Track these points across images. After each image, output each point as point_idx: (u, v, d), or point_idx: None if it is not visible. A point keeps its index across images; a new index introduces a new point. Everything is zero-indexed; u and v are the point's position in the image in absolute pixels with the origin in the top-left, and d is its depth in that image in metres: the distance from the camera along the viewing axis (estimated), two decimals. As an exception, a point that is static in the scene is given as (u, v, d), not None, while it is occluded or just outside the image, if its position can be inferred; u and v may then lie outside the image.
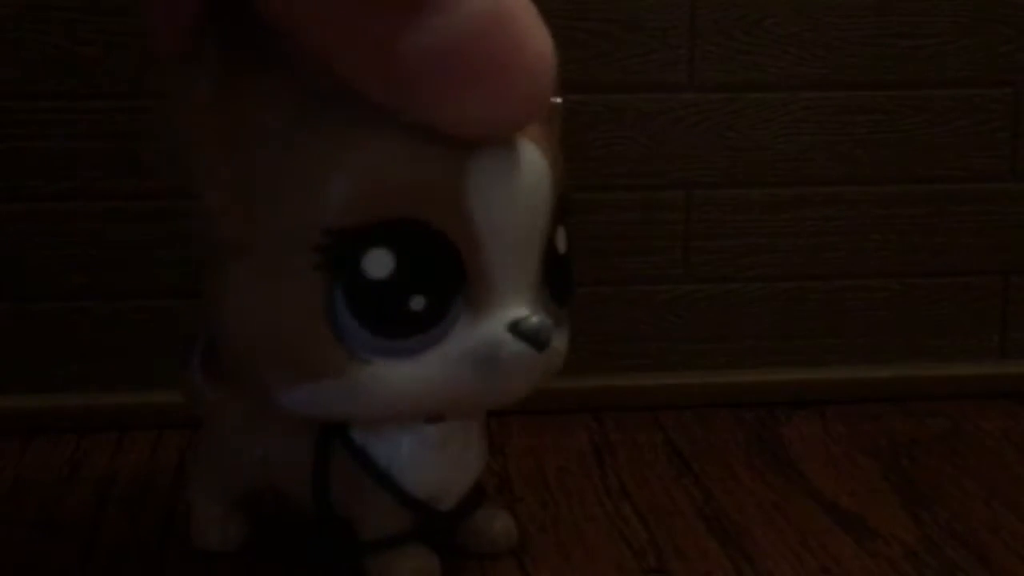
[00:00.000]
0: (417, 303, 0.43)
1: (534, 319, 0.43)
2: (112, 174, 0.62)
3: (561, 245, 0.46)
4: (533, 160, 0.44)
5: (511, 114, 0.43)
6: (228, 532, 0.49)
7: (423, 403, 0.45)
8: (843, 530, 0.52)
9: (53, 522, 0.53)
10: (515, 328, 0.43)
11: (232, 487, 0.49)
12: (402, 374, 0.43)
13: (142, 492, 0.56)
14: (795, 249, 0.67)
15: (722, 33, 0.65)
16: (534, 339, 0.43)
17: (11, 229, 0.62)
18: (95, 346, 0.64)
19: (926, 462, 0.59)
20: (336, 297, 0.43)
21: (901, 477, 0.58)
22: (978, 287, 0.68)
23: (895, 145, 0.66)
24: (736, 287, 0.67)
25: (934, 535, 0.52)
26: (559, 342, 0.46)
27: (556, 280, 0.46)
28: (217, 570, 0.50)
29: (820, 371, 0.67)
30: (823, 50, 0.65)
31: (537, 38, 0.43)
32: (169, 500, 0.55)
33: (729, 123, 0.66)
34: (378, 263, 0.42)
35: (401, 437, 0.46)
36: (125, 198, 0.62)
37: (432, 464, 0.47)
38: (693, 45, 0.64)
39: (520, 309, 0.44)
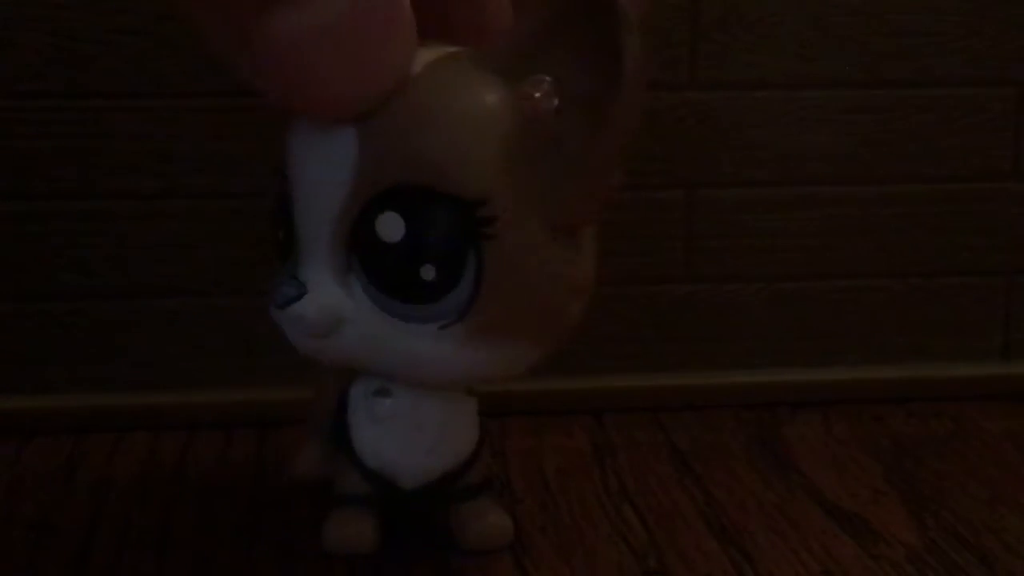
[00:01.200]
0: (281, 234, 0.47)
1: (281, 279, 0.46)
2: (111, 174, 0.62)
3: (388, 233, 0.44)
4: (334, 137, 0.45)
5: (342, 107, 0.44)
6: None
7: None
8: (845, 532, 0.52)
9: (51, 523, 0.53)
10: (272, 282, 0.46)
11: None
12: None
13: (141, 493, 0.56)
14: (797, 249, 0.67)
15: (724, 32, 0.64)
16: (273, 295, 0.46)
17: (11, 229, 0.62)
18: (93, 347, 0.63)
19: (929, 463, 0.59)
20: None
21: (904, 478, 0.57)
22: (981, 287, 0.68)
23: (898, 144, 0.66)
24: (738, 287, 0.67)
25: (937, 537, 0.52)
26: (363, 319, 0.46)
27: (378, 268, 0.45)
28: (217, 569, 0.50)
29: (822, 372, 0.67)
30: (826, 49, 0.65)
31: (396, 43, 0.44)
32: (167, 501, 0.55)
33: (731, 122, 0.65)
34: (271, 200, 0.48)
35: (358, 405, 0.49)
36: (125, 198, 0.62)
37: (376, 437, 0.49)
38: (695, 44, 0.64)
39: (302, 269, 0.46)
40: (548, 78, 0.44)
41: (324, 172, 0.45)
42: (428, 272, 0.44)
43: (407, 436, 0.49)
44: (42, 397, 0.63)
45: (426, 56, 0.45)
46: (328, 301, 0.45)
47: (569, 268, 0.46)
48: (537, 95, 0.44)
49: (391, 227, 0.44)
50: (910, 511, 0.54)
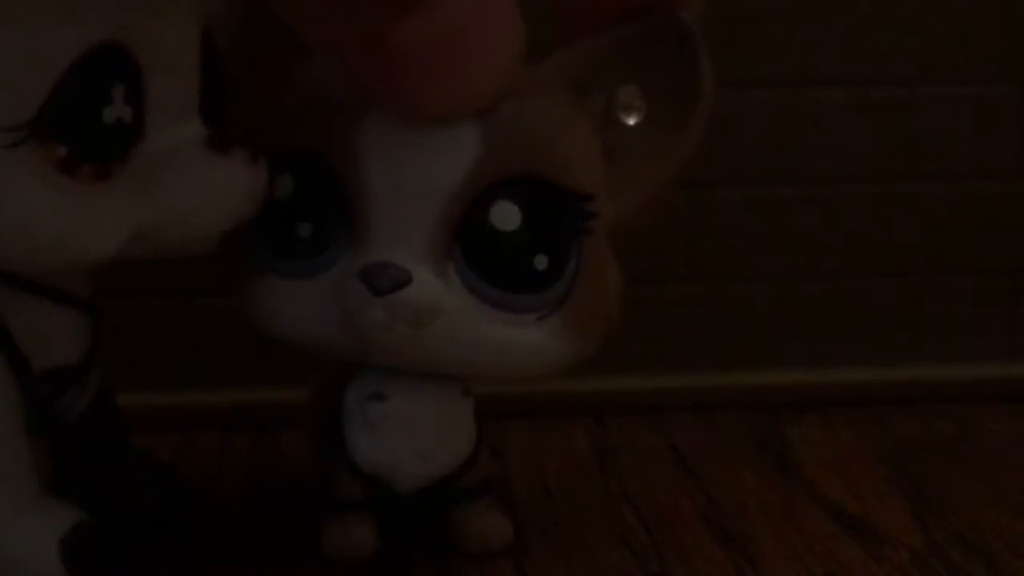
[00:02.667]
0: (304, 229, 0.46)
1: (376, 263, 0.44)
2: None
3: (502, 222, 0.45)
4: (449, 127, 0.45)
5: (462, 106, 0.44)
6: None
7: (299, 328, 0.47)
8: (848, 535, 0.52)
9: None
10: (361, 267, 0.44)
11: None
12: (288, 294, 0.47)
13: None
14: (800, 249, 0.66)
15: (727, 30, 0.64)
16: (369, 280, 0.44)
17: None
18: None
19: (933, 466, 0.59)
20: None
21: (908, 481, 0.57)
22: (986, 288, 0.68)
23: (900, 144, 0.66)
24: (740, 287, 0.67)
25: (941, 539, 0.51)
26: (463, 311, 0.46)
27: (488, 257, 0.45)
28: (217, 569, 0.49)
29: (825, 373, 0.67)
30: (826, 48, 0.65)
31: (508, 41, 0.44)
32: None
33: (731, 122, 0.65)
34: (282, 186, 0.46)
35: (353, 409, 0.48)
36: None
37: (371, 441, 0.48)
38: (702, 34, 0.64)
39: (388, 255, 0.45)
40: (634, 87, 0.47)
41: (436, 160, 0.45)
42: (541, 262, 0.46)
43: (403, 440, 0.48)
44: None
45: None
46: (433, 287, 0.45)
47: (615, 268, 0.49)
48: (634, 103, 0.47)
49: (506, 216, 0.45)
50: (914, 513, 0.54)
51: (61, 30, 0.39)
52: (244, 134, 0.44)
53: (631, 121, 0.48)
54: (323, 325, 0.46)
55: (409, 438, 0.48)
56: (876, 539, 0.51)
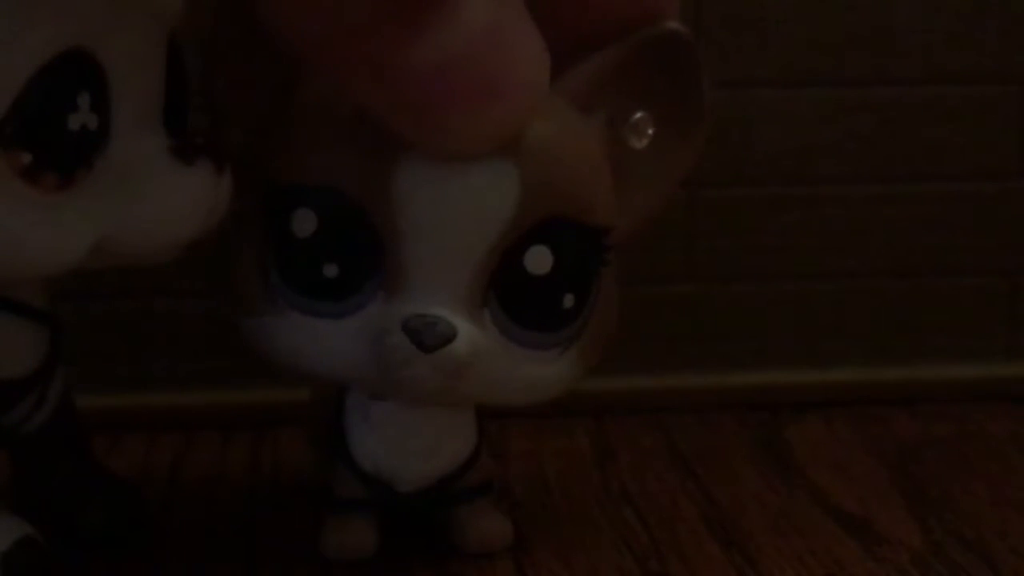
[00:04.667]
0: (331, 270, 0.45)
1: (424, 317, 0.43)
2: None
3: (536, 267, 0.45)
4: (491, 170, 0.43)
5: (486, 136, 0.43)
6: None
7: (326, 366, 0.46)
8: (848, 535, 0.52)
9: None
10: (405, 321, 0.43)
11: None
12: (311, 332, 0.45)
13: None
14: (799, 249, 0.66)
15: (727, 30, 0.64)
16: (415, 335, 0.43)
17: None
18: (91, 347, 0.63)
19: (933, 466, 0.59)
20: (269, 248, 0.46)
21: (907, 481, 0.57)
22: (985, 288, 0.68)
23: (900, 143, 0.66)
24: (739, 288, 0.67)
25: (941, 540, 0.51)
26: (492, 354, 0.45)
27: (521, 301, 0.45)
28: (217, 570, 0.49)
29: (825, 373, 0.67)
30: (828, 47, 0.65)
31: (529, 64, 0.42)
32: (163, 502, 0.55)
33: (731, 122, 0.65)
34: (303, 222, 0.44)
35: (354, 408, 0.48)
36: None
37: (372, 441, 0.48)
38: (697, 42, 0.64)
39: (427, 307, 0.44)
40: (646, 114, 0.47)
41: (478, 205, 0.44)
42: (569, 300, 0.46)
43: (403, 440, 0.48)
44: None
45: None
46: (474, 338, 0.44)
47: (616, 284, 0.48)
48: (646, 128, 0.47)
49: (540, 260, 0.45)
50: (914, 513, 0.54)
51: (25, 36, 0.38)
52: (210, 144, 0.43)
53: (639, 145, 0.47)
54: (354, 366, 0.45)
55: (410, 438, 0.48)
56: (876, 539, 0.51)
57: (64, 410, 0.49)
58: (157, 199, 0.42)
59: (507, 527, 0.51)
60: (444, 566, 0.49)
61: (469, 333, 0.44)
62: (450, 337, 0.43)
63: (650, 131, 0.47)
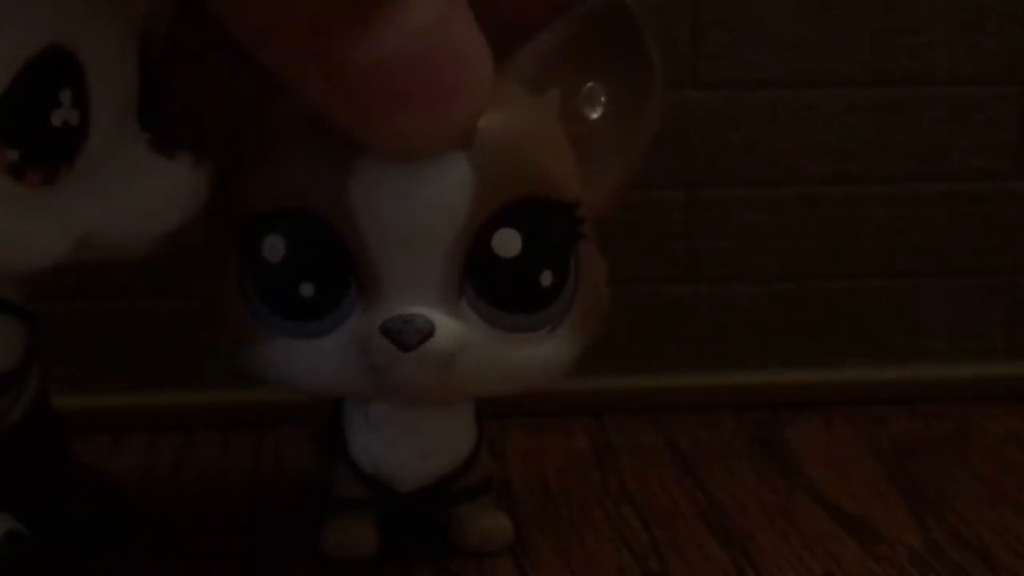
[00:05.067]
0: (306, 289, 0.45)
1: (401, 317, 0.44)
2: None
3: (505, 249, 0.45)
4: (444, 162, 0.44)
5: (435, 135, 0.43)
6: None
7: (322, 384, 0.46)
8: (847, 533, 0.52)
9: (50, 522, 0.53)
10: (383, 325, 0.44)
11: None
12: (301, 353, 0.46)
13: (137, 495, 0.56)
14: (798, 249, 0.66)
15: (725, 30, 0.64)
16: (395, 337, 0.43)
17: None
18: (91, 346, 0.63)
19: (931, 464, 0.59)
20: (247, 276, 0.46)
21: (906, 480, 0.57)
22: (983, 287, 0.68)
23: (899, 144, 0.66)
24: (738, 287, 0.67)
25: (939, 538, 0.51)
26: (486, 344, 0.45)
27: (496, 285, 0.45)
28: (217, 569, 0.49)
29: (823, 372, 0.67)
30: (826, 48, 0.65)
31: (474, 62, 0.43)
32: (165, 501, 0.55)
33: (731, 122, 0.65)
34: (273, 248, 0.45)
35: (353, 409, 0.49)
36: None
37: (372, 442, 0.48)
38: (695, 42, 0.64)
39: (404, 307, 0.44)
40: (596, 84, 0.47)
41: (434, 200, 0.44)
42: (546, 278, 0.46)
43: (403, 440, 0.48)
44: (38, 398, 0.63)
45: None
46: (455, 329, 0.44)
47: (601, 257, 0.48)
48: (597, 97, 0.47)
49: (509, 243, 0.45)
50: (912, 512, 0.54)
51: (9, 35, 0.38)
52: (186, 138, 0.44)
53: (594, 115, 0.48)
54: (347, 380, 0.45)
55: (409, 438, 0.48)
56: (875, 538, 0.51)
57: (41, 405, 0.49)
58: (138, 192, 0.43)
59: (507, 526, 0.51)
60: (444, 565, 0.49)
61: (448, 326, 0.44)
62: (429, 332, 0.44)
63: (603, 99, 0.48)
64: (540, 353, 0.47)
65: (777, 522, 0.53)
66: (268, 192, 0.45)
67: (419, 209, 0.44)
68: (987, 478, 0.57)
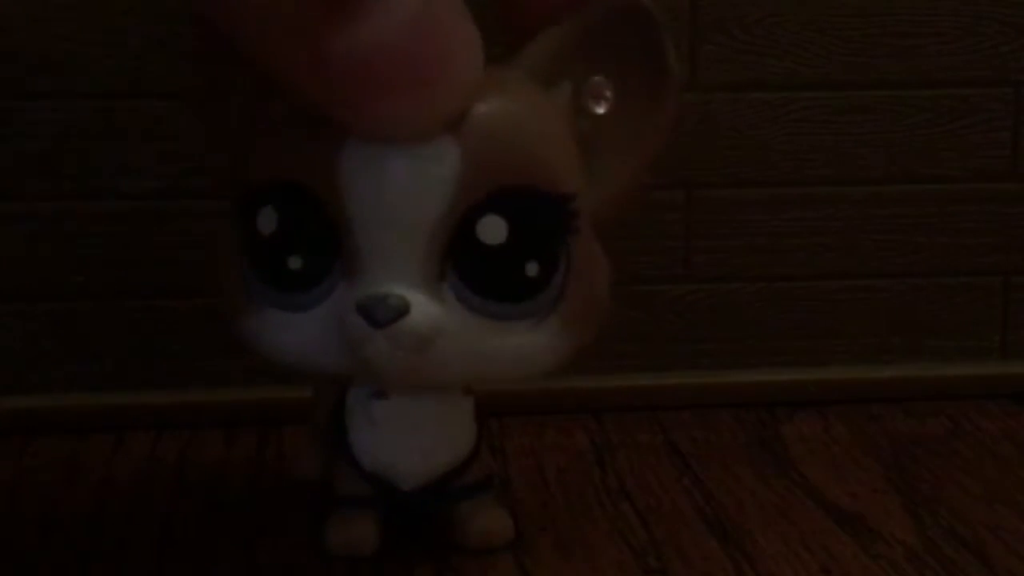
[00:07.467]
0: (295, 262, 0.45)
1: (373, 295, 0.44)
2: (109, 174, 0.62)
3: (490, 236, 0.45)
4: (431, 146, 0.44)
5: (417, 120, 0.43)
6: None
7: (308, 357, 0.46)
8: (844, 531, 0.52)
9: (52, 522, 0.53)
10: (359, 301, 0.44)
11: None
12: (287, 325, 0.46)
13: (141, 493, 0.56)
14: (796, 249, 0.67)
15: (723, 32, 0.64)
16: (367, 313, 0.44)
17: (11, 229, 0.62)
18: (93, 346, 0.64)
19: (927, 463, 0.59)
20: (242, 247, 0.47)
21: (902, 478, 0.57)
22: (979, 287, 0.68)
23: (896, 145, 0.66)
24: (737, 287, 0.67)
25: (935, 535, 0.52)
26: (462, 330, 0.45)
27: (479, 272, 0.45)
28: (217, 571, 0.49)
29: (821, 371, 0.67)
30: (824, 49, 0.65)
31: (459, 52, 0.43)
32: (169, 501, 0.55)
33: (730, 122, 0.65)
34: (266, 220, 0.45)
35: (355, 407, 0.49)
36: (124, 198, 0.62)
37: (373, 439, 0.48)
38: (694, 43, 0.64)
39: (382, 285, 0.44)
40: (602, 78, 0.47)
41: (418, 183, 0.44)
42: (532, 269, 0.46)
43: (404, 437, 0.49)
44: (42, 397, 0.63)
45: None
46: (432, 311, 0.44)
47: (603, 256, 0.48)
48: (603, 92, 0.47)
49: (494, 230, 0.45)
50: (908, 510, 0.54)
51: None
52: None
53: (600, 110, 0.47)
54: (328, 354, 0.46)
55: (411, 435, 0.49)
56: (871, 535, 0.52)
57: None
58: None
59: (507, 523, 0.51)
60: (445, 562, 0.50)
61: (424, 306, 0.44)
62: (403, 311, 0.44)
63: (608, 94, 0.47)
64: (522, 344, 0.46)
65: (775, 520, 0.53)
66: (266, 164, 0.46)
67: (401, 189, 0.44)
68: (983, 476, 0.58)
